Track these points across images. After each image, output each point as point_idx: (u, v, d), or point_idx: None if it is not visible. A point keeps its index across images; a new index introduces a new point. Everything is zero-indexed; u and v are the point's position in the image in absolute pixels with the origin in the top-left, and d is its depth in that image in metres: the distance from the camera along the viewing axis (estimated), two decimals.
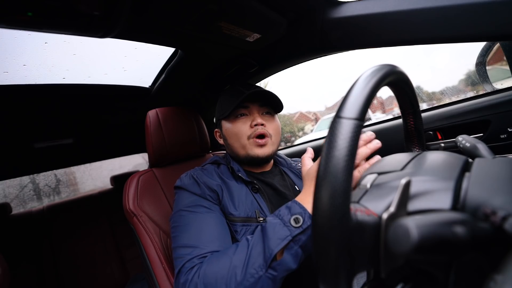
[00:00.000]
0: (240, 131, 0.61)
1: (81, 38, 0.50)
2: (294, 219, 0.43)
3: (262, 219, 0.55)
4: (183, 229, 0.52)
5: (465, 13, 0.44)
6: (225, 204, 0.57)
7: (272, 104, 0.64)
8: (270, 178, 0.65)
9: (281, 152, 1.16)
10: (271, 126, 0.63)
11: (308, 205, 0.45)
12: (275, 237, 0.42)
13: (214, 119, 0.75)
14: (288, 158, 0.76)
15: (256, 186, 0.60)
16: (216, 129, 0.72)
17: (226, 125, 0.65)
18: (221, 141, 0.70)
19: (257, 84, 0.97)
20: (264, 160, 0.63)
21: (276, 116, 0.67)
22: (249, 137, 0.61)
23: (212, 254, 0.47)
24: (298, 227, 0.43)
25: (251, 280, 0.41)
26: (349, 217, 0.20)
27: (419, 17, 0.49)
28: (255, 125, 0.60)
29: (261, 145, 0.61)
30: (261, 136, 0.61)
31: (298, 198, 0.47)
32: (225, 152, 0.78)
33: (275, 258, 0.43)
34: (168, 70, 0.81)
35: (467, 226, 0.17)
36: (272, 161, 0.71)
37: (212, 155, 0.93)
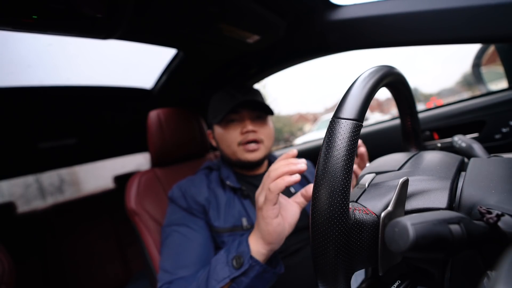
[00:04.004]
0: (231, 138, 0.61)
1: (84, 40, 0.51)
2: (236, 259, 0.41)
3: (249, 226, 0.56)
4: (165, 249, 0.54)
5: (460, 16, 0.44)
6: (211, 217, 0.57)
7: (264, 108, 0.63)
8: None
9: (280, 153, 1.17)
10: (263, 131, 0.62)
11: (254, 243, 0.41)
12: (214, 277, 0.41)
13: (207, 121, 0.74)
14: None
15: (245, 193, 0.60)
16: (208, 131, 0.72)
17: (217, 130, 0.64)
18: (214, 143, 0.70)
19: (257, 84, 0.97)
20: (255, 164, 0.63)
21: (269, 119, 0.66)
22: (239, 144, 0.61)
23: (177, 280, 0.48)
24: (238, 268, 0.40)
25: None
26: (348, 215, 0.20)
27: (415, 20, 0.49)
28: (246, 132, 0.60)
29: (252, 151, 0.60)
30: (252, 142, 0.61)
31: (252, 233, 0.43)
32: None
33: None
34: (169, 71, 0.82)
35: (463, 224, 0.17)
36: (266, 163, 0.71)
37: (212, 155, 0.94)
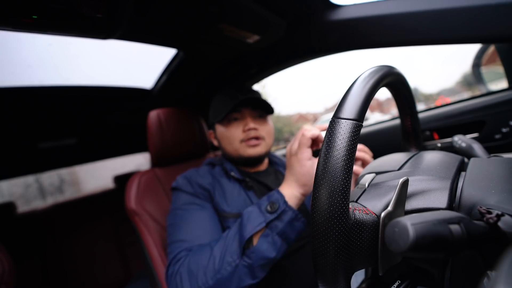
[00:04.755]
0: (233, 135, 0.62)
1: (84, 40, 0.51)
2: (270, 205, 0.44)
3: None
4: (176, 226, 0.54)
5: (460, 16, 0.44)
6: (217, 201, 0.58)
7: (264, 107, 0.64)
8: (264, 178, 0.66)
9: (280, 153, 1.17)
10: (264, 129, 0.64)
11: (287, 189, 0.46)
12: (249, 224, 0.43)
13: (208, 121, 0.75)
14: (284, 158, 0.76)
15: (249, 184, 0.61)
16: (210, 131, 0.73)
17: (219, 128, 0.65)
18: (215, 142, 0.71)
19: (257, 84, 0.97)
20: (257, 160, 0.64)
21: (270, 118, 0.68)
22: (241, 141, 0.62)
23: (197, 246, 0.49)
24: (273, 212, 0.43)
25: (229, 269, 0.42)
26: (348, 216, 0.20)
27: (415, 20, 0.49)
28: (248, 129, 0.61)
29: (254, 145, 0.62)
30: (254, 139, 0.62)
31: (283, 183, 0.48)
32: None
33: (250, 245, 0.43)
34: (169, 71, 0.82)
35: (463, 224, 0.17)
36: (267, 161, 0.72)
37: (212, 155, 0.94)
